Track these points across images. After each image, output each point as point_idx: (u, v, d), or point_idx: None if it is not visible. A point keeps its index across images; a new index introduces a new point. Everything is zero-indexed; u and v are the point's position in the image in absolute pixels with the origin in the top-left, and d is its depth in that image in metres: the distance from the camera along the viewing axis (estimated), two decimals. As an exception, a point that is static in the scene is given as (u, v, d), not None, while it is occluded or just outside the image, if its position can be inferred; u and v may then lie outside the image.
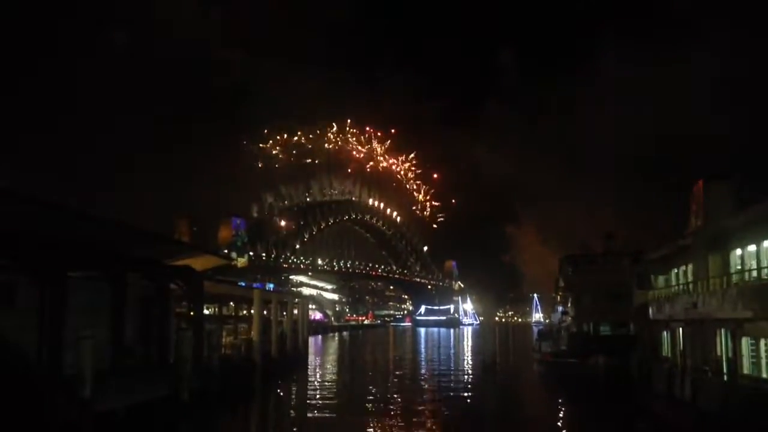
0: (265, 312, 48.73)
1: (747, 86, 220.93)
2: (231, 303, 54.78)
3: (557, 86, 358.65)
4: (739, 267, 25.87)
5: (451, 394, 39.64)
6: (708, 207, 31.05)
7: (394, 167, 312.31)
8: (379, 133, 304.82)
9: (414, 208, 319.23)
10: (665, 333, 33.75)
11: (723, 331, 25.35)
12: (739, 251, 26.12)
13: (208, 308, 51.66)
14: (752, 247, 24.81)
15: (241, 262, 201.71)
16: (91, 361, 20.93)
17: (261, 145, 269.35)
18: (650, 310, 35.49)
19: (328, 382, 47.26)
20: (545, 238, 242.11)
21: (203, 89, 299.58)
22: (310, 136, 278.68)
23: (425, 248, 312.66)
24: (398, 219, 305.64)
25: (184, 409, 26.88)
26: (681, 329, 30.40)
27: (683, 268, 32.61)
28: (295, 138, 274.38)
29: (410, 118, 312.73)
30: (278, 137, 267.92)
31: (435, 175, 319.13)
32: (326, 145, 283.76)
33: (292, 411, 33.84)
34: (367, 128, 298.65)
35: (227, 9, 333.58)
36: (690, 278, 31.04)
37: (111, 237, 25.10)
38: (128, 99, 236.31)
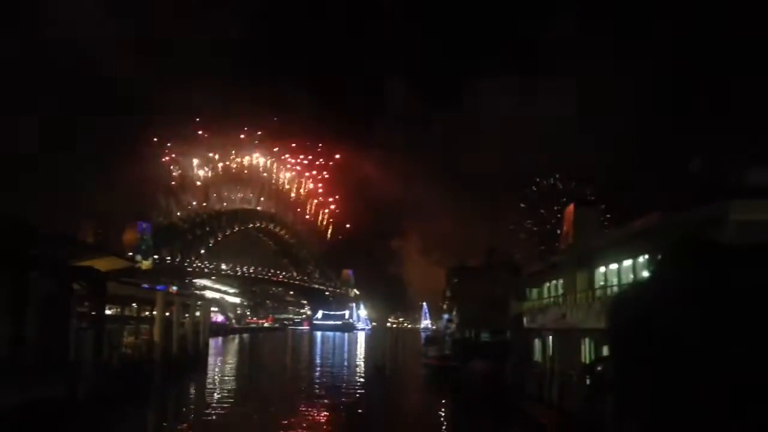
0: (167, 314, 47.05)
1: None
2: (134, 304, 52.48)
3: (441, 112, 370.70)
4: (603, 283, 27.38)
5: (343, 391, 39.72)
6: (577, 229, 32.83)
7: (293, 179, 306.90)
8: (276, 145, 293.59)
9: (310, 219, 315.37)
10: (537, 340, 35.15)
11: (587, 340, 26.74)
12: (602, 269, 27.62)
13: (110, 309, 49.41)
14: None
15: (146, 264, 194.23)
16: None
17: (166, 152, 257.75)
18: (524, 320, 36.89)
19: (227, 381, 46.37)
20: (429, 252, 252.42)
21: (106, 93, 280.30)
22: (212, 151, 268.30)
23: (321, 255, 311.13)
24: (299, 228, 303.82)
25: (78, 407, 25.64)
26: (551, 337, 31.79)
27: (554, 282, 34.13)
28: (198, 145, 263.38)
29: (307, 132, 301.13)
30: (180, 143, 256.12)
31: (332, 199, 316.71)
32: (229, 157, 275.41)
33: (188, 409, 32.87)
34: (275, 147, 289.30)
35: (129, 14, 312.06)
36: (560, 292, 32.54)
37: (12, 235, 23.78)
38: (24, 99, 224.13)
